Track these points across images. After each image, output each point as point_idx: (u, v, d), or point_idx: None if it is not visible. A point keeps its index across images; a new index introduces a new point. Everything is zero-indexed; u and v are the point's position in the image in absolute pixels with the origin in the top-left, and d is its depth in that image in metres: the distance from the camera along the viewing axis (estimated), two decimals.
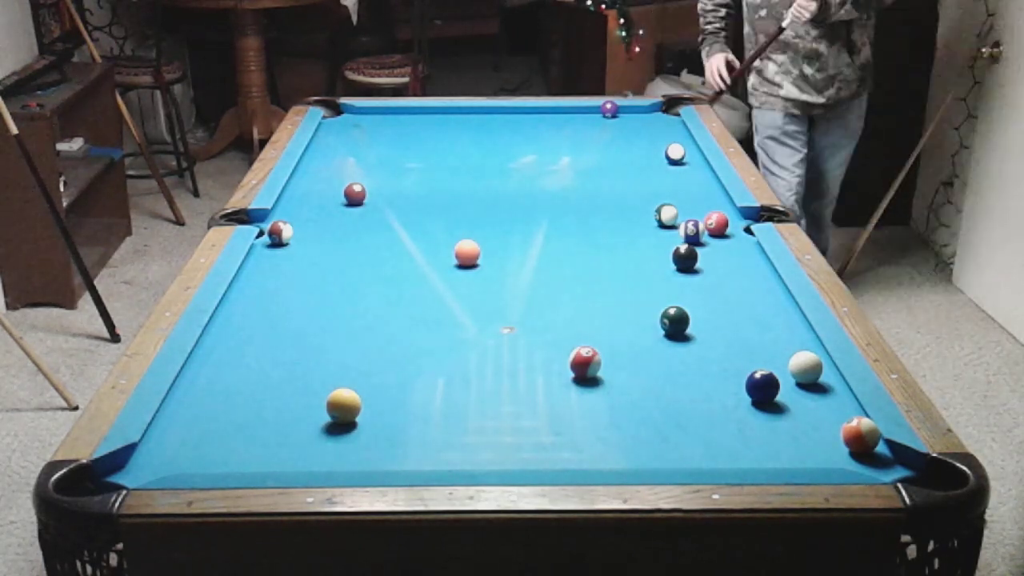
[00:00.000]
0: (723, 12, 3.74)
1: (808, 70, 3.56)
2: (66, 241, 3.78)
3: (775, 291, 2.24)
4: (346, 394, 1.75)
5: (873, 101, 4.56)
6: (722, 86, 3.72)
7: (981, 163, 4.14)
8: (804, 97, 3.61)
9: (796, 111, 3.65)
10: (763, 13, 3.57)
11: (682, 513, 1.50)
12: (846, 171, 3.90)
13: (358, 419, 1.75)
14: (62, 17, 4.77)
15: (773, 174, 3.69)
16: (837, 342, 1.98)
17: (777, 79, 3.61)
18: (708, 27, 3.76)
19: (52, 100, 4.05)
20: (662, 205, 2.59)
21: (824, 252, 3.45)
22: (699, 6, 3.78)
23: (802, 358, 1.89)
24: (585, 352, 1.88)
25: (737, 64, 3.69)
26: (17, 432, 3.31)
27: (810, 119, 3.71)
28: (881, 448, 1.66)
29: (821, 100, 3.62)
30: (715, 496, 1.52)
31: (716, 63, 3.71)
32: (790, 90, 3.61)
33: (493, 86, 6.83)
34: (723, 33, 3.75)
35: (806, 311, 2.11)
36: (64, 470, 1.56)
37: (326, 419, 1.75)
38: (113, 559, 1.51)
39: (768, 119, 3.70)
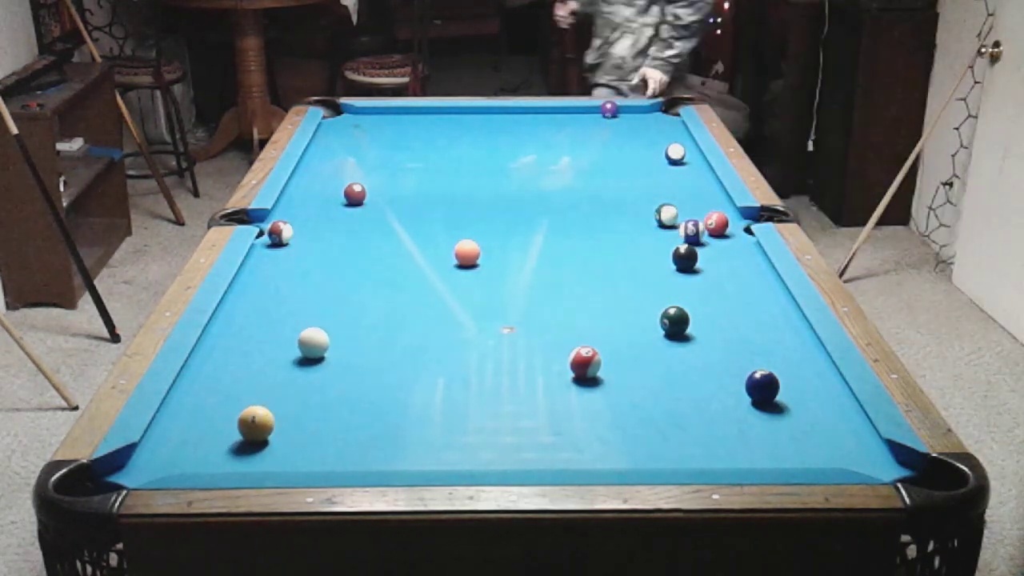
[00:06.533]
0: None
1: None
2: (66, 241, 3.78)
3: (775, 291, 2.24)
4: (260, 412, 1.69)
5: (873, 101, 4.58)
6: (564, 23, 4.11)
7: (981, 163, 4.13)
8: None
9: None
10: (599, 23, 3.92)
11: (682, 513, 1.50)
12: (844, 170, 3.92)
13: (358, 419, 1.75)
14: (62, 17, 4.77)
15: None
16: (837, 342, 1.98)
17: None
18: None
19: (52, 100, 4.05)
20: (662, 205, 2.59)
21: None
22: None
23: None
24: (585, 352, 1.88)
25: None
26: (17, 432, 3.31)
27: None
28: (881, 448, 1.66)
29: None
30: (715, 496, 1.52)
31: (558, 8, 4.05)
32: None
33: (493, 86, 6.82)
34: None
35: (806, 311, 2.11)
36: (64, 470, 1.56)
37: (326, 419, 1.75)
38: (113, 559, 1.51)
39: None
